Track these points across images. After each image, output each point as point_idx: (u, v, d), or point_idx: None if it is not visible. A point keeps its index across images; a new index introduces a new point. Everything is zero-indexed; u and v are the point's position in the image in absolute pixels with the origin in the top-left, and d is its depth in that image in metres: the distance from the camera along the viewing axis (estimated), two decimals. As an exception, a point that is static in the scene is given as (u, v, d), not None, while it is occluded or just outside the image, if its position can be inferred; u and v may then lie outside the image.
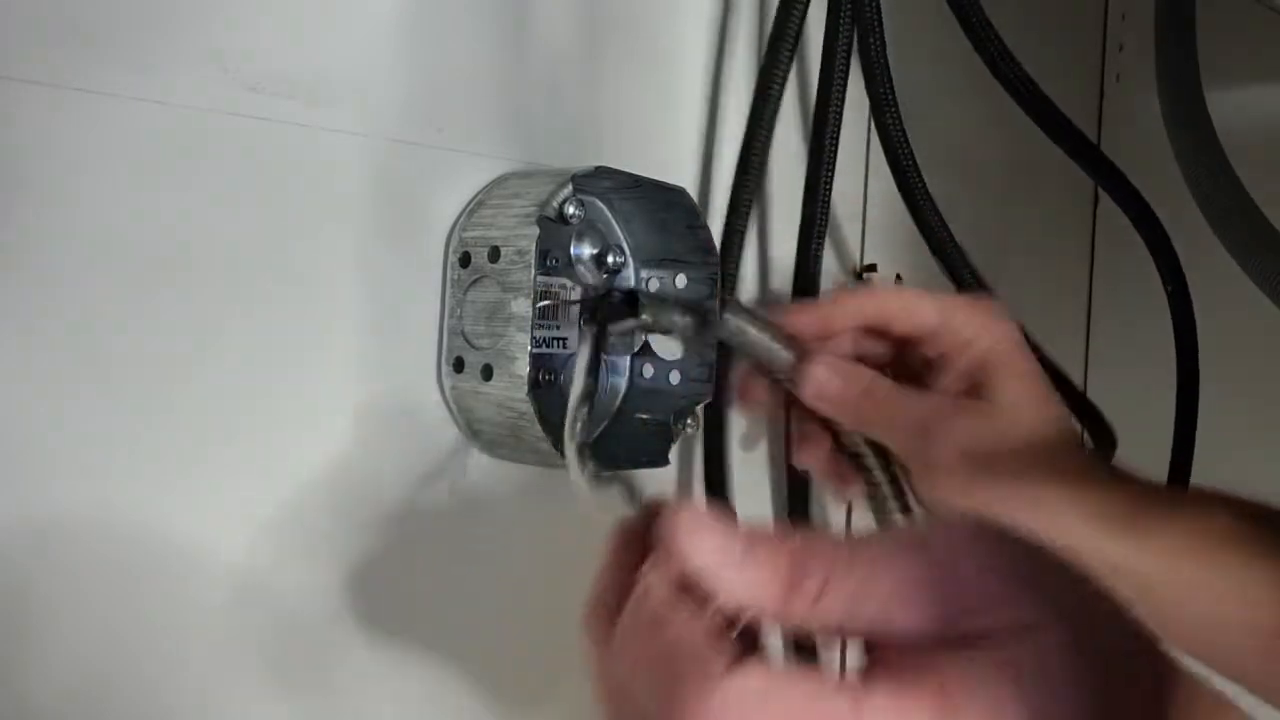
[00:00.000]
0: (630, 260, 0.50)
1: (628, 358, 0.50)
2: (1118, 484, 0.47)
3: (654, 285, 0.50)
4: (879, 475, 0.53)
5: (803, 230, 0.57)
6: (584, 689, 0.53)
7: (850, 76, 0.56)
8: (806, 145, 0.60)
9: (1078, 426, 0.52)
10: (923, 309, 0.50)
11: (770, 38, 0.54)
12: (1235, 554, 0.43)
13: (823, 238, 0.56)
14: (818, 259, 0.56)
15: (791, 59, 0.54)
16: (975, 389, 0.49)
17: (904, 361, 0.52)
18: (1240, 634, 0.44)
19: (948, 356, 0.50)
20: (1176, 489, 0.49)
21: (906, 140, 0.57)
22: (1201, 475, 0.67)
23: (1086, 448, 0.51)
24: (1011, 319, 0.51)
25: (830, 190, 0.56)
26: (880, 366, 0.53)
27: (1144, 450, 0.65)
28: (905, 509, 0.53)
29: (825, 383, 0.49)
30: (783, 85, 0.54)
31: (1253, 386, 0.75)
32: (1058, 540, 0.46)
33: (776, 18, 0.54)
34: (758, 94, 0.54)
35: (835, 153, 0.56)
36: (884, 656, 0.27)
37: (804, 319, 0.51)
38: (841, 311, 0.51)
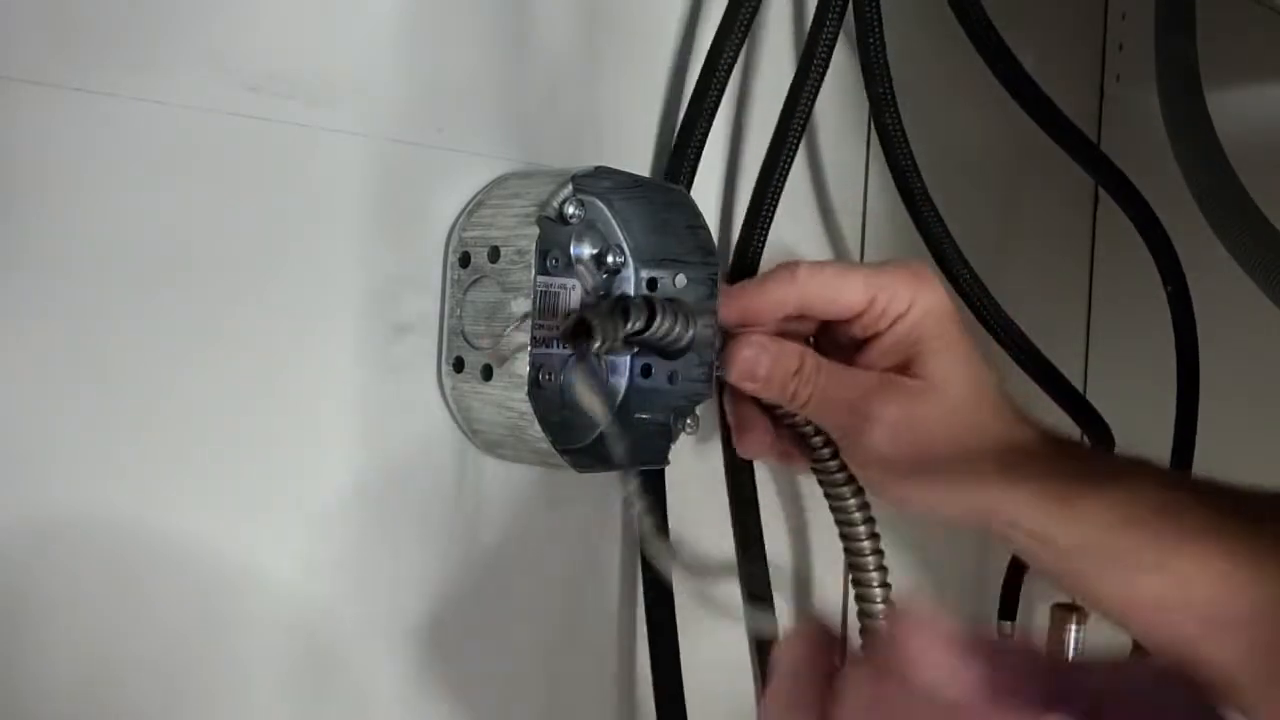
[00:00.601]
0: (630, 260, 0.50)
1: (628, 358, 0.50)
2: (1050, 457, 0.46)
3: (653, 285, 0.50)
4: (824, 451, 0.52)
5: (749, 212, 0.56)
6: (583, 688, 0.53)
7: (850, 76, 0.56)
8: (805, 146, 0.60)
9: (1008, 395, 0.50)
10: (848, 291, 0.48)
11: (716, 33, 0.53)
12: (1168, 529, 0.42)
13: (768, 225, 0.56)
14: (760, 246, 0.55)
15: (738, 53, 0.53)
16: (905, 364, 0.48)
17: (832, 336, 0.51)
18: (1173, 610, 0.43)
19: (878, 332, 0.49)
20: (1111, 459, 0.48)
21: (906, 140, 0.57)
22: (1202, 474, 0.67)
23: (1020, 414, 0.49)
24: (940, 287, 0.49)
25: (785, 176, 0.55)
26: (806, 339, 0.51)
27: (1144, 451, 0.65)
28: (852, 482, 0.52)
29: (752, 362, 0.48)
30: (726, 77, 0.53)
31: (1253, 386, 0.75)
32: (996, 518, 0.46)
33: (725, 14, 0.53)
34: (697, 89, 0.53)
35: (799, 135, 0.55)
36: None
37: (724, 312, 0.49)
38: (763, 303, 0.49)
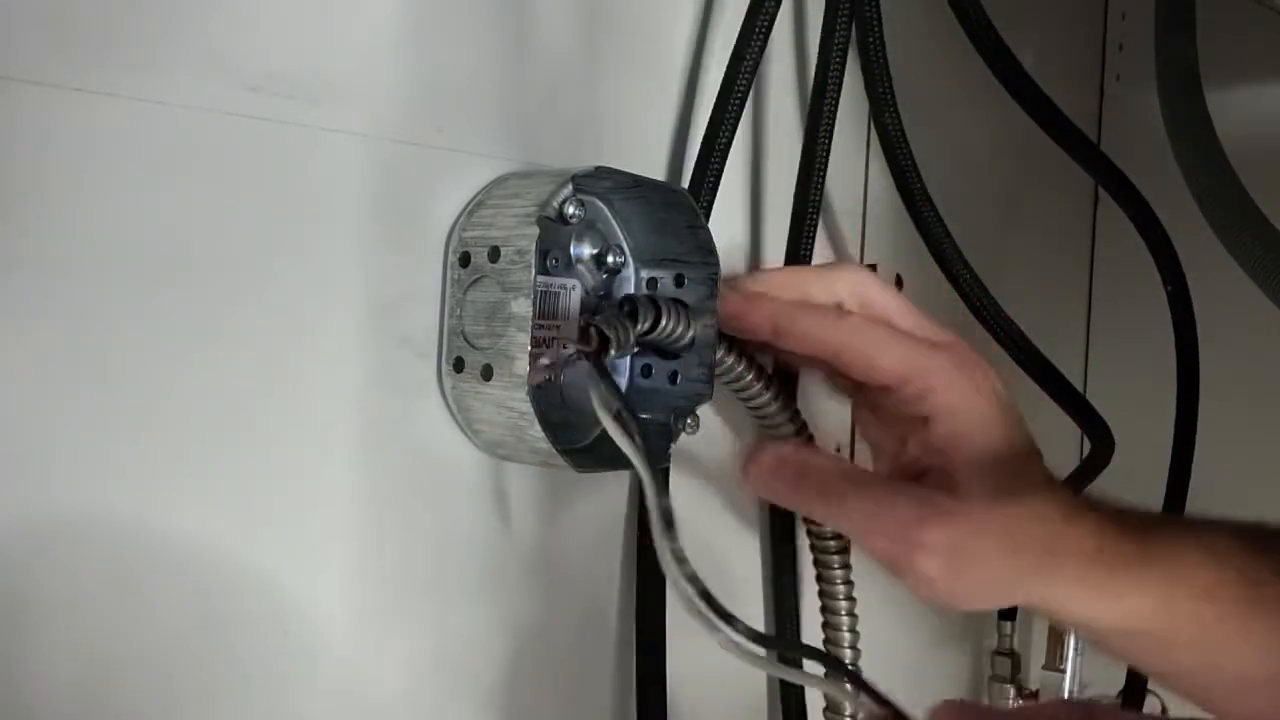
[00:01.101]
0: (630, 260, 0.50)
1: (628, 358, 0.50)
2: (1091, 546, 0.44)
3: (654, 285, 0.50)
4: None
5: (792, 230, 0.57)
6: (582, 687, 0.53)
7: (850, 76, 0.56)
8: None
9: (1045, 473, 0.46)
10: (883, 362, 0.45)
11: (739, 37, 0.53)
12: (1207, 610, 0.42)
13: (812, 238, 0.56)
14: (807, 260, 0.56)
15: (760, 57, 0.53)
16: (946, 474, 0.44)
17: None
18: (1204, 675, 0.43)
19: (912, 421, 0.45)
20: (1161, 530, 0.45)
21: (906, 140, 0.57)
22: (1201, 476, 0.67)
23: (1058, 492, 0.46)
24: (986, 377, 0.45)
25: (821, 191, 0.56)
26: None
27: (1144, 451, 0.65)
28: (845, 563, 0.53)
29: (773, 472, 0.45)
30: (748, 86, 0.53)
31: (1253, 386, 0.75)
32: (1032, 605, 0.45)
33: (745, 18, 0.53)
34: (722, 90, 0.53)
35: (828, 152, 0.55)
36: None
37: (754, 315, 0.46)
38: (799, 331, 0.46)
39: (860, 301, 0.47)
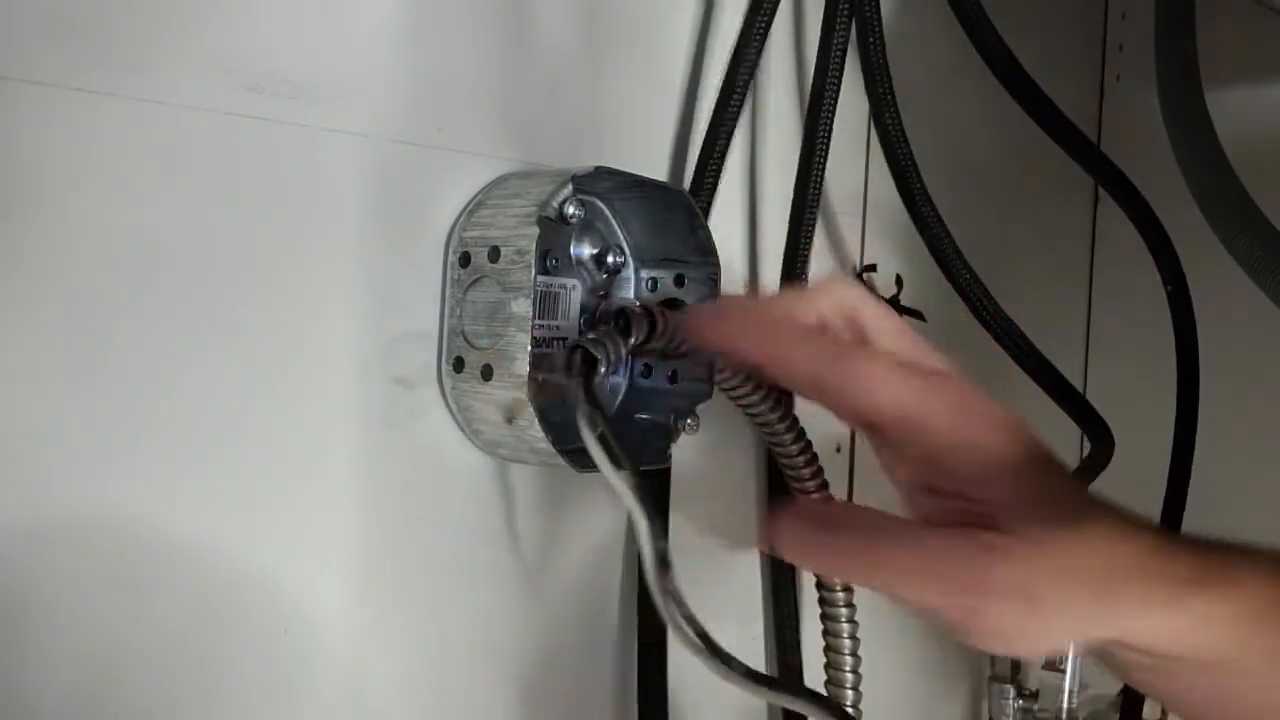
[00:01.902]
0: (630, 260, 0.50)
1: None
2: (1160, 566, 0.38)
3: (655, 285, 0.50)
4: (800, 461, 0.51)
5: (791, 230, 0.57)
6: (584, 686, 0.53)
7: (850, 76, 0.56)
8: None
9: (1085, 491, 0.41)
10: (875, 404, 0.38)
11: (739, 35, 0.53)
12: (1261, 630, 0.37)
13: (810, 238, 0.56)
14: (805, 259, 0.56)
15: (757, 59, 0.53)
16: (976, 512, 0.38)
17: None
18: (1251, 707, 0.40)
19: (922, 461, 0.39)
20: (1203, 547, 0.40)
21: (906, 140, 0.57)
22: (1201, 475, 0.67)
23: (1113, 520, 0.39)
24: (986, 400, 0.39)
25: (820, 191, 0.56)
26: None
27: (1144, 450, 0.65)
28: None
29: (795, 533, 0.39)
30: (746, 85, 0.53)
31: (1253, 386, 0.75)
32: (1127, 645, 0.41)
33: (746, 16, 0.53)
34: (723, 88, 0.53)
35: (828, 152, 0.56)
36: None
37: (750, 341, 0.40)
38: (783, 359, 0.40)
39: (849, 323, 0.41)
